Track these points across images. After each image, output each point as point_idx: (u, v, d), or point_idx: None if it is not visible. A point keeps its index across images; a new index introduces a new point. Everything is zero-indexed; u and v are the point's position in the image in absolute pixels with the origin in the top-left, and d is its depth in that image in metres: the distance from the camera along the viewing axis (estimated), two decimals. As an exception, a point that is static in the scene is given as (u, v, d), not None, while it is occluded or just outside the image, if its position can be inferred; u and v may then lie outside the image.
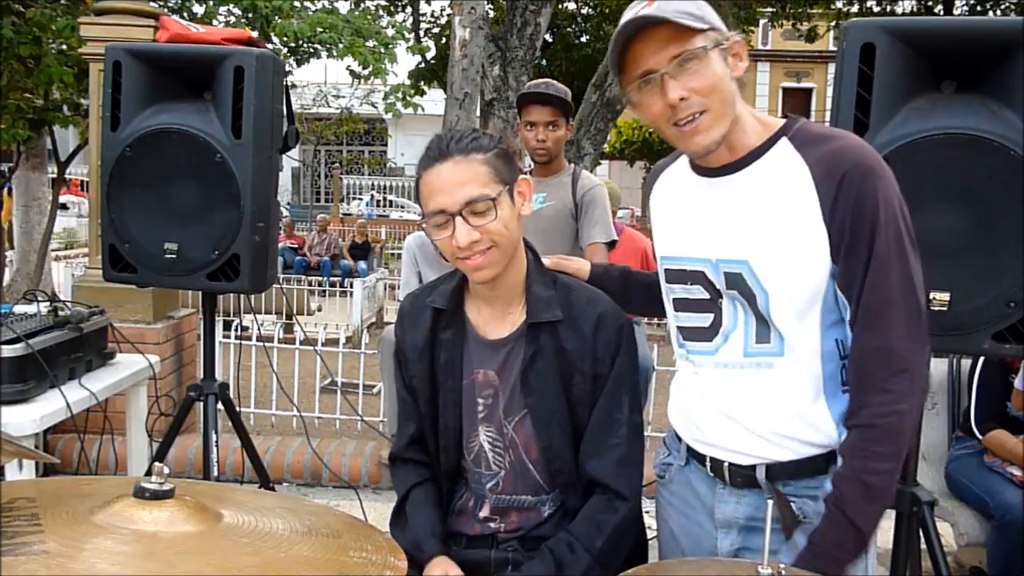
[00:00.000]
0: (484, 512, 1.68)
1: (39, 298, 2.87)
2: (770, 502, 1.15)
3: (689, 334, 1.46)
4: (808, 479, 1.38)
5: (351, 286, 8.75)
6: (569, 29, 11.81)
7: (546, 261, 1.70)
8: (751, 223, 1.34)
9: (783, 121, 1.39)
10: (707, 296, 1.41)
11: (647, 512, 1.68)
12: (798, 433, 1.36)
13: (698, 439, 1.46)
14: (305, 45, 8.49)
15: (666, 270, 1.50)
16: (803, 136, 1.34)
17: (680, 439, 1.52)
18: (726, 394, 1.41)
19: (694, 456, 1.49)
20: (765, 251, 1.33)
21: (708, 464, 1.45)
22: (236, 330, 4.88)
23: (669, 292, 1.50)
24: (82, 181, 19.24)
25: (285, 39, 7.53)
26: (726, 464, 1.42)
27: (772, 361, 1.36)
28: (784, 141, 1.35)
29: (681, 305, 1.47)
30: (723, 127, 1.32)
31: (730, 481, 1.43)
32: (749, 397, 1.38)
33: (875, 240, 1.27)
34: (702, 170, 1.43)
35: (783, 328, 1.34)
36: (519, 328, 1.62)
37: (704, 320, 1.43)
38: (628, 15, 1.30)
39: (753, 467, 1.39)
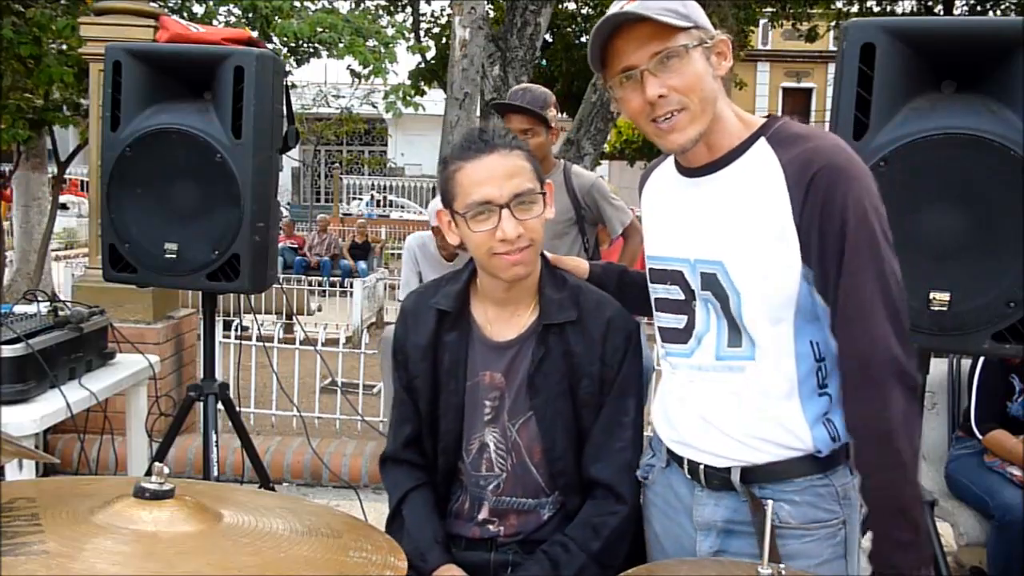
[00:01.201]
0: (482, 515, 1.68)
1: (39, 298, 2.87)
2: (771, 503, 1.15)
3: (667, 336, 1.46)
4: (783, 482, 1.37)
5: (351, 286, 8.76)
6: (569, 29, 11.81)
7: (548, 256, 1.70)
8: (727, 224, 1.34)
9: (764, 120, 1.38)
10: (682, 297, 1.41)
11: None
12: (772, 436, 1.35)
13: (676, 440, 1.46)
14: (305, 45, 8.49)
15: (650, 270, 1.50)
16: (780, 136, 1.34)
17: (662, 441, 1.52)
18: (701, 397, 1.40)
19: (673, 458, 1.49)
20: (739, 252, 1.32)
21: (686, 466, 1.45)
22: (236, 330, 4.88)
23: (652, 292, 1.50)
24: (82, 181, 19.24)
25: (285, 39, 7.53)
26: (702, 466, 1.42)
27: (743, 365, 1.35)
28: (762, 141, 1.34)
29: (661, 306, 1.47)
30: (700, 126, 1.31)
31: (707, 483, 1.42)
32: (722, 400, 1.38)
33: (845, 242, 1.25)
34: (685, 170, 1.43)
35: (754, 331, 1.33)
36: (528, 330, 1.62)
37: (679, 322, 1.43)
38: (612, 10, 1.30)
39: (728, 469, 1.39)
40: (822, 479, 1.37)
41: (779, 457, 1.35)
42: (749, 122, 1.38)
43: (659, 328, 1.49)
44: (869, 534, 1.31)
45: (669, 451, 1.49)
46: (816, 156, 1.28)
